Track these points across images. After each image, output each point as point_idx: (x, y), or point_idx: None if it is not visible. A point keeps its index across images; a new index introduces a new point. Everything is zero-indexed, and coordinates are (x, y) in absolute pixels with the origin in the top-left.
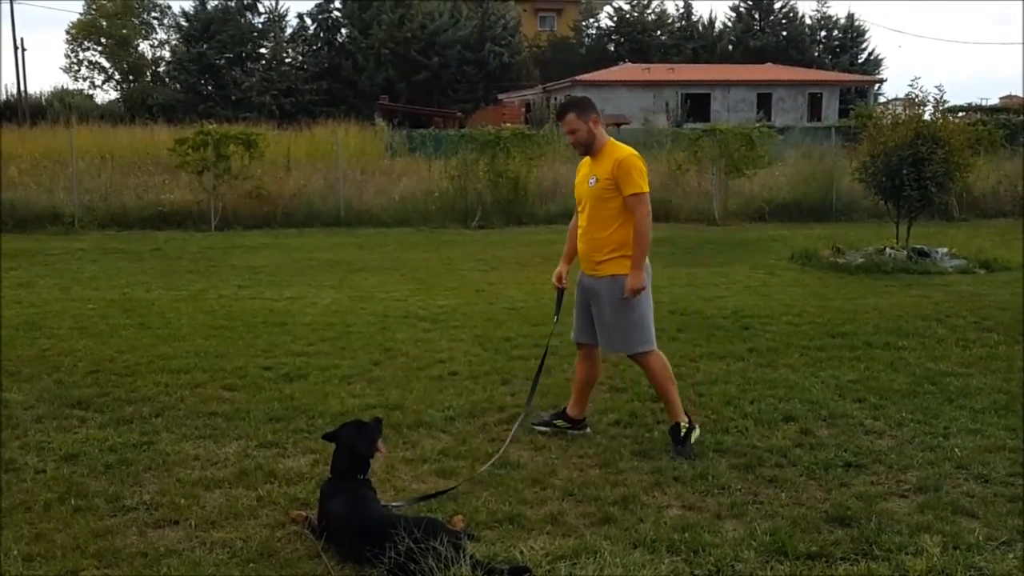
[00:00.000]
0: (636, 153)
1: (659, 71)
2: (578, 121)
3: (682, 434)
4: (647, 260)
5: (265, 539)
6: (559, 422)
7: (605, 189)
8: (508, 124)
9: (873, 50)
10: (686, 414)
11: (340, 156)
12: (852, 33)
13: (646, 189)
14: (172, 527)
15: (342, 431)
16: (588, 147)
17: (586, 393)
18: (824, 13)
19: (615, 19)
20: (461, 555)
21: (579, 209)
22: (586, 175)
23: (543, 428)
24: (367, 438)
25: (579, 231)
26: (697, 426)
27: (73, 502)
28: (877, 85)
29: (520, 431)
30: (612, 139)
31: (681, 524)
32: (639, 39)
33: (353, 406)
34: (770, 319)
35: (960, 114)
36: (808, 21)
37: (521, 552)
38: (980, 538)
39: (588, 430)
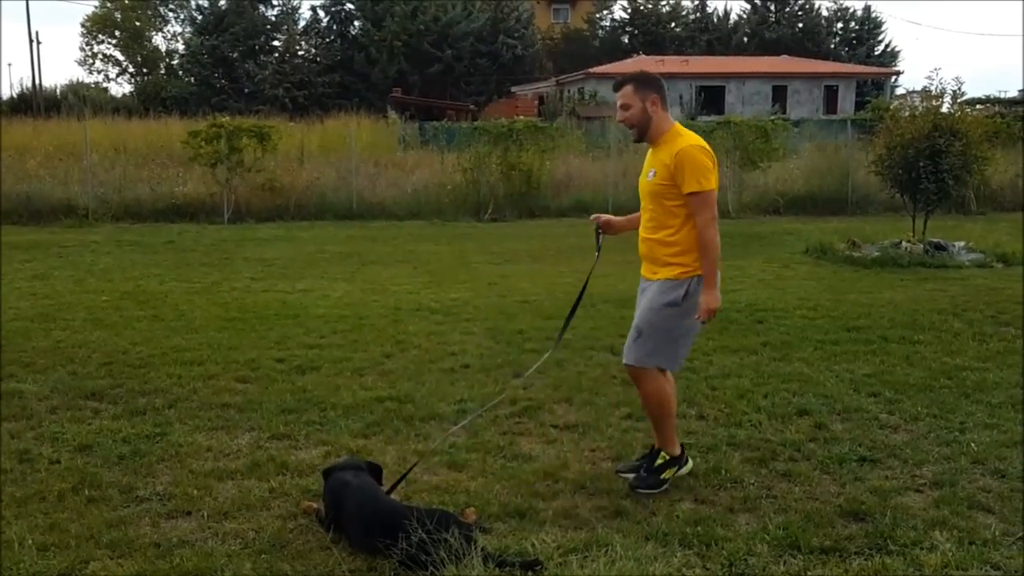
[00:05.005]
0: (700, 144)
1: (673, 63)
2: (634, 96)
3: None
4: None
5: (277, 530)
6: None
7: (663, 185)
8: (521, 116)
9: (890, 42)
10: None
11: (353, 149)
12: (869, 25)
13: (707, 187)
14: (185, 518)
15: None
16: (642, 130)
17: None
18: (840, 5)
19: (629, 11)
20: (473, 547)
21: (641, 206)
22: (646, 167)
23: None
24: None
25: (640, 230)
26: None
27: (87, 492)
28: (894, 77)
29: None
30: (678, 125)
31: (694, 518)
32: (653, 31)
33: (365, 398)
34: (784, 312)
35: (978, 106)
36: (824, 13)
37: (533, 545)
38: (996, 533)
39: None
